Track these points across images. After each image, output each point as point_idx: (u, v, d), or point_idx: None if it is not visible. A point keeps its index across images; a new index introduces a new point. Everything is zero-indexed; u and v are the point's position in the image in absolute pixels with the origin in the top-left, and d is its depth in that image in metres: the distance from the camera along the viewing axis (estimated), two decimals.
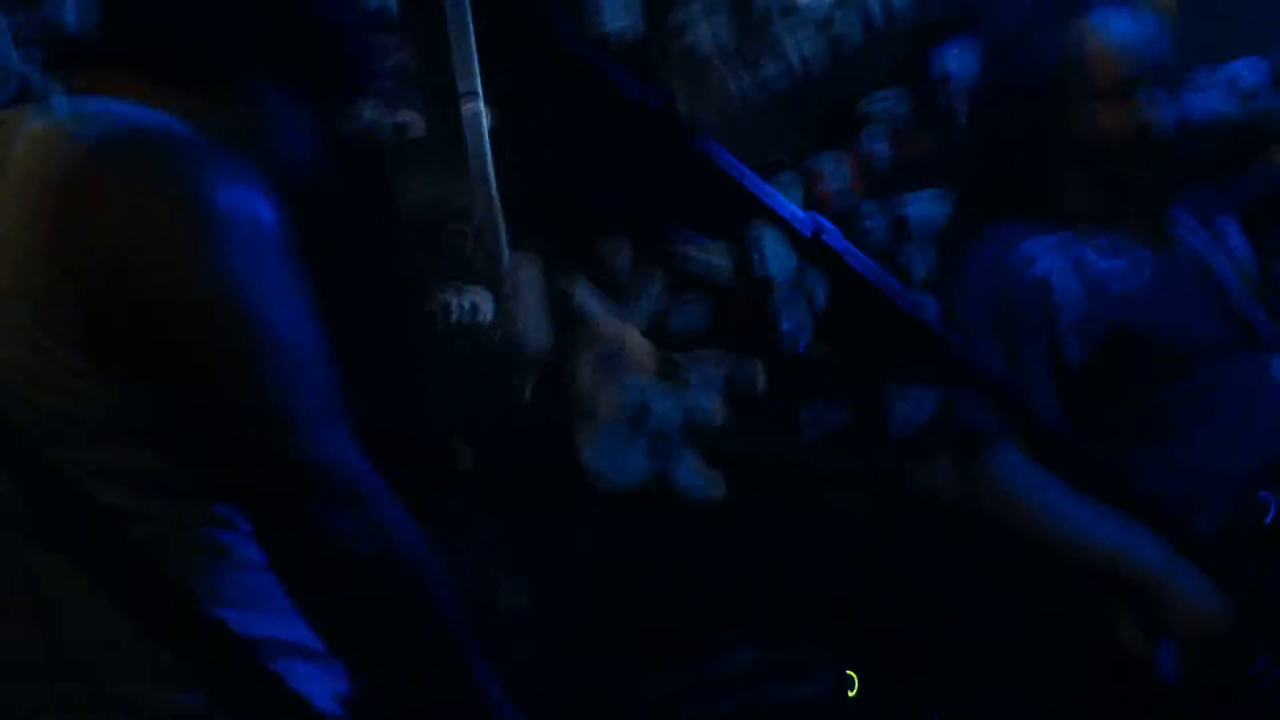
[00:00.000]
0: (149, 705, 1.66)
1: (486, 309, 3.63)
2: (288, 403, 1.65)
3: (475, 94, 3.62)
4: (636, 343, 3.41)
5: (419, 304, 3.61)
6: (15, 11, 3.90)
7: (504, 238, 3.67)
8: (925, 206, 3.51)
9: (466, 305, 3.63)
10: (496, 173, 3.66)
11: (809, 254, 1.55)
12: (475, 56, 3.62)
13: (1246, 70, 2.73)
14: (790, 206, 1.54)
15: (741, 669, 3.14)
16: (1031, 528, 2.61)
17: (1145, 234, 2.77)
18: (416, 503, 1.75)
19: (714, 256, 3.73)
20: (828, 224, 1.55)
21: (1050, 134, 2.75)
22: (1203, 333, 2.70)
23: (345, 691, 1.74)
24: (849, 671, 2.81)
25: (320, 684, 1.72)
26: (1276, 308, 2.78)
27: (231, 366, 1.65)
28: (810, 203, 3.63)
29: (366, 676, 1.74)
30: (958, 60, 3.43)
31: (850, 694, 2.82)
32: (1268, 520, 2.48)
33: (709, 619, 3.26)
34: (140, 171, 1.68)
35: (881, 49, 3.61)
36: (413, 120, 3.66)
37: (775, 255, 3.75)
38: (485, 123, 3.67)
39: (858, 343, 1.53)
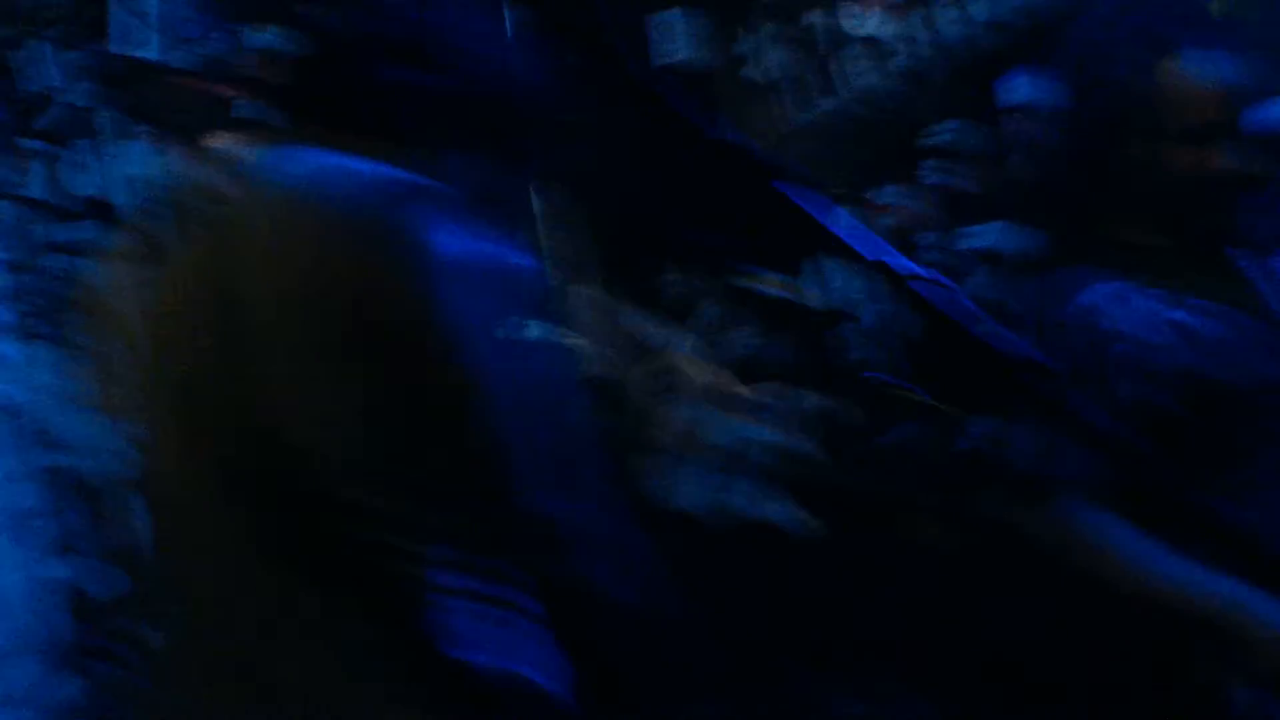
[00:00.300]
0: None
1: (546, 336, 3.64)
2: (528, 454, 1.73)
3: None
4: (700, 372, 3.41)
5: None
6: (76, 46, 3.94)
7: (565, 264, 3.67)
8: (989, 239, 3.51)
9: (527, 332, 3.64)
10: (557, 198, 3.67)
11: (903, 293, 1.55)
12: None
13: None
14: (882, 244, 1.55)
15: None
16: (1107, 570, 2.59)
17: (1203, 277, 2.75)
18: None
19: (780, 286, 3.73)
20: (921, 269, 1.56)
21: (1119, 171, 2.72)
22: (1265, 373, 2.68)
23: None
24: None
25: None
26: None
27: (479, 419, 1.72)
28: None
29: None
30: (1024, 90, 3.42)
31: None
32: None
33: (785, 654, 3.25)
34: (392, 228, 1.74)
35: (944, 79, 3.60)
36: None
37: (841, 284, 3.75)
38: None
39: (943, 377, 1.54)
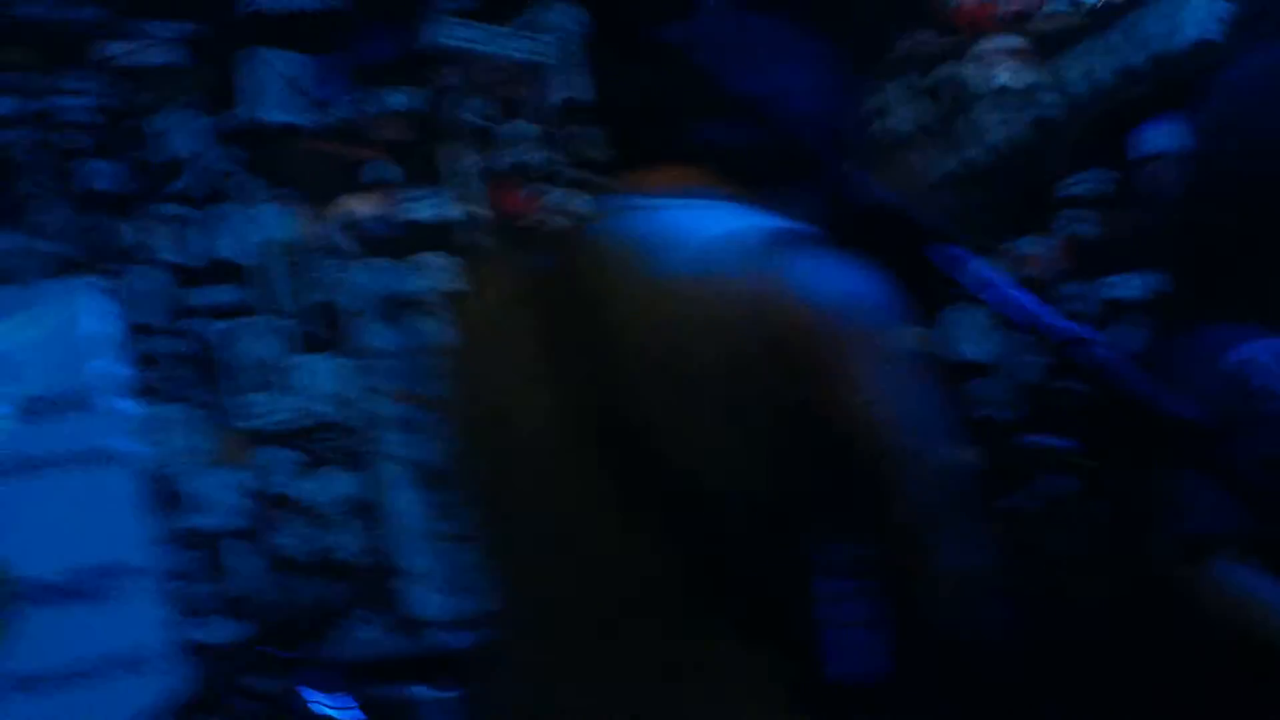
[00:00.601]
0: None
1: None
2: (938, 500, 1.74)
3: None
4: None
5: None
6: (211, 111, 3.99)
7: None
8: (1129, 290, 3.45)
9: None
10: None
11: (1067, 361, 1.51)
12: None
13: None
14: (1025, 297, 1.51)
15: None
16: (1261, 626, 2.54)
17: None
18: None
19: (919, 340, 3.69)
20: (1087, 331, 1.51)
21: (1261, 224, 2.66)
22: None
23: None
24: None
25: None
26: None
27: (900, 480, 1.72)
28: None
29: None
30: (1161, 141, 3.36)
31: None
32: None
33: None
34: (783, 276, 1.71)
35: (1080, 129, 3.55)
36: None
37: (981, 338, 3.70)
38: None
39: (1093, 433, 1.52)
